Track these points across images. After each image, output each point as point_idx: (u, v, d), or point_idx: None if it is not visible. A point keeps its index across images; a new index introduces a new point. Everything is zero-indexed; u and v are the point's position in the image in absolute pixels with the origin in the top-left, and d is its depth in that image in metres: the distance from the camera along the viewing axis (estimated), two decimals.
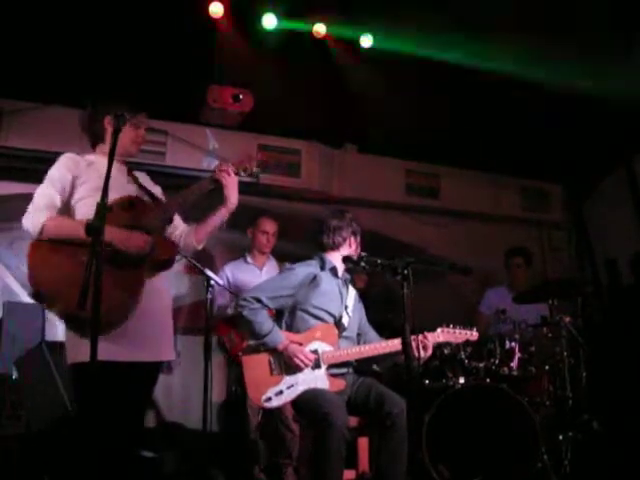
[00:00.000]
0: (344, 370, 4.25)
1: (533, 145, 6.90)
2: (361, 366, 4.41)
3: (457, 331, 4.43)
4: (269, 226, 5.90)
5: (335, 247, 4.39)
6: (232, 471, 5.17)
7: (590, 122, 6.64)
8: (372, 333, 4.52)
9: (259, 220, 5.92)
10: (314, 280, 4.29)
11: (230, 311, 5.48)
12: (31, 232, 3.20)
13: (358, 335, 4.45)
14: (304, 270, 4.35)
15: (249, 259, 5.94)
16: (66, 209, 3.28)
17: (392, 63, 6.14)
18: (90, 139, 3.49)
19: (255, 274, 5.78)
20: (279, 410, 4.45)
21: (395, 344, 4.16)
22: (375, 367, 4.73)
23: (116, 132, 2.97)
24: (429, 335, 4.32)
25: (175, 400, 6.21)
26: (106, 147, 3.33)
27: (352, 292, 4.49)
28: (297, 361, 4.08)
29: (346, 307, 4.37)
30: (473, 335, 4.49)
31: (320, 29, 6.03)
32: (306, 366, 4.09)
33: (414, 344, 4.12)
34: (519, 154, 7.02)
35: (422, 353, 4.20)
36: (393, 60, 6.14)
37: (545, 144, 6.90)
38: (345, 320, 4.33)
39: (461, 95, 6.40)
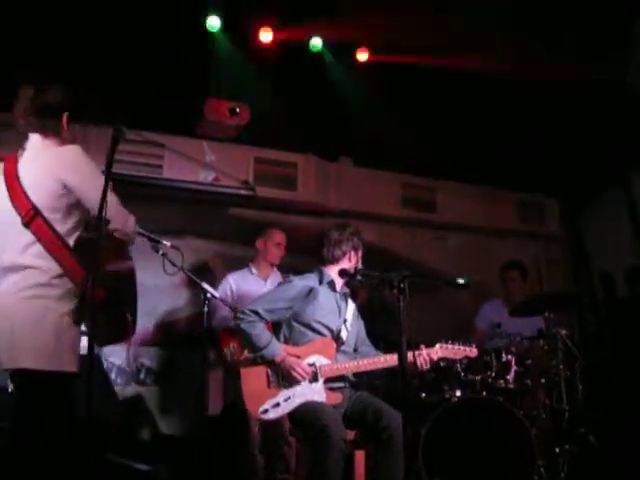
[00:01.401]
0: (341, 384, 4.25)
1: (530, 158, 6.92)
2: (358, 381, 4.40)
3: (456, 347, 4.43)
4: (281, 238, 5.86)
5: (334, 261, 4.39)
6: None
7: (587, 136, 6.66)
8: (368, 347, 4.52)
9: (271, 232, 5.86)
10: (311, 293, 4.30)
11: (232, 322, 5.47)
12: (132, 232, 3.22)
13: (355, 349, 4.45)
14: (301, 283, 4.36)
15: (254, 270, 5.87)
16: None
17: (387, 76, 6.17)
18: (35, 125, 3.18)
19: (259, 285, 5.71)
20: (278, 423, 4.44)
21: (393, 359, 4.13)
22: (377, 382, 4.71)
23: (114, 144, 2.97)
24: (427, 351, 4.31)
25: (171, 413, 6.20)
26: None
27: (351, 306, 4.49)
28: (294, 374, 4.08)
29: (345, 321, 4.38)
30: (472, 352, 4.49)
31: (316, 43, 6.06)
32: (303, 379, 4.10)
33: (419, 359, 4.15)
34: (515, 167, 7.04)
35: (425, 366, 4.20)
36: (388, 73, 6.17)
37: (542, 157, 6.92)
38: (344, 334, 4.33)
39: (457, 108, 6.43)
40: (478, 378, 5.05)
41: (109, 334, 3.28)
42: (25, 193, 3.07)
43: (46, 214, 3.04)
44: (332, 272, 4.37)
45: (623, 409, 5.69)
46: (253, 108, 6.18)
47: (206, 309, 4.96)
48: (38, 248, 3.02)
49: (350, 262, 4.37)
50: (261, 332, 4.15)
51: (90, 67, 5.45)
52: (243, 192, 6.44)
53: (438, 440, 4.57)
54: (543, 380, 5.33)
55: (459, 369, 5.05)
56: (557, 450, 4.90)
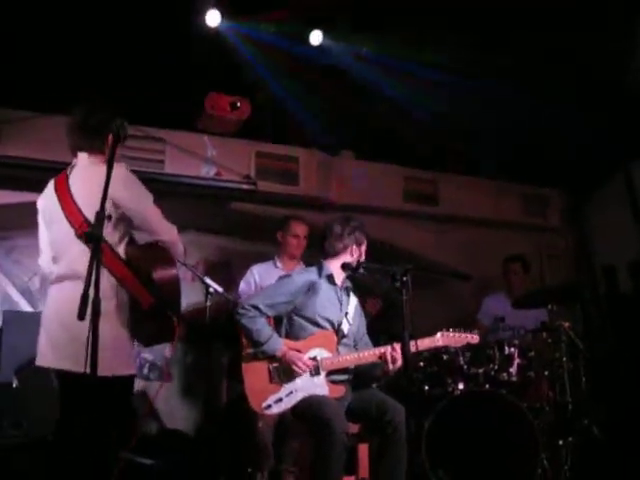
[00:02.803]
0: (344, 377, 4.25)
1: (532, 151, 6.91)
2: (359, 381, 4.39)
3: (457, 335, 4.37)
4: (300, 229, 5.78)
5: (335, 254, 4.38)
6: (235, 477, 5.17)
7: (589, 128, 6.65)
8: (365, 344, 4.48)
9: (290, 224, 5.79)
10: (312, 287, 4.29)
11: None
12: (177, 241, 3.48)
13: (354, 344, 4.44)
14: (302, 277, 4.36)
15: (278, 264, 5.80)
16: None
17: (390, 68, 6.16)
18: (83, 144, 3.46)
19: None
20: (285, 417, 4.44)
21: (396, 349, 4.10)
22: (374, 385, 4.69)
23: (117, 140, 2.99)
24: (427, 340, 4.29)
25: (176, 406, 6.21)
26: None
27: (353, 300, 4.48)
28: (296, 368, 4.08)
29: (346, 314, 4.37)
30: (474, 338, 4.43)
31: (317, 36, 6.03)
32: (305, 373, 4.10)
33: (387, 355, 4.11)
34: (518, 160, 7.03)
35: (390, 366, 4.13)
36: (391, 65, 6.15)
37: (544, 150, 6.91)
38: (345, 327, 4.32)
39: (459, 100, 6.41)
40: (481, 371, 5.05)
41: (157, 336, 3.48)
42: (77, 206, 3.31)
43: None
44: (332, 266, 4.36)
45: (626, 401, 5.69)
46: (254, 102, 6.18)
47: (209, 303, 4.99)
48: None
49: (352, 256, 4.35)
50: (262, 327, 4.15)
51: (90, 63, 5.46)
52: (245, 187, 6.42)
53: (441, 433, 4.58)
54: (546, 373, 5.34)
55: (462, 362, 5.06)
56: (560, 443, 4.90)
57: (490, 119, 6.52)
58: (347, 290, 4.47)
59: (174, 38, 5.55)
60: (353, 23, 5.93)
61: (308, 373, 4.12)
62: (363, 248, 4.42)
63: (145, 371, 6.16)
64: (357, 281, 4.54)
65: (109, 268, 3.19)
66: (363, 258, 4.39)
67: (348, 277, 4.43)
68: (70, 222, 3.31)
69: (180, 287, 3.42)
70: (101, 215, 2.79)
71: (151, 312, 3.26)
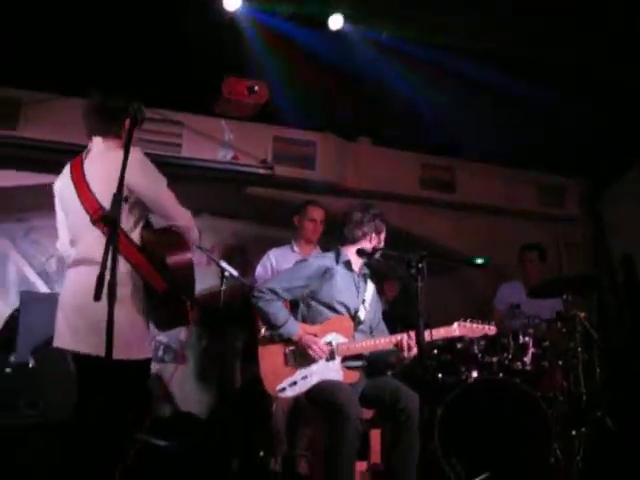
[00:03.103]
0: (359, 363, 4.25)
1: (550, 139, 6.86)
2: (374, 368, 4.39)
3: (474, 325, 4.33)
4: (317, 214, 5.78)
5: (354, 241, 4.37)
6: (248, 461, 5.20)
7: (608, 117, 6.59)
8: (381, 331, 4.47)
9: (307, 208, 5.79)
10: (328, 272, 4.29)
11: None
12: (192, 227, 3.49)
13: (370, 331, 4.44)
14: (318, 262, 4.36)
15: (295, 248, 5.81)
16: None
17: (408, 54, 6.12)
18: (100, 128, 3.47)
19: None
20: (300, 401, 4.45)
21: (411, 337, 4.08)
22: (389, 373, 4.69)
23: (134, 123, 2.99)
24: (443, 329, 4.28)
25: (190, 389, 6.24)
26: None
27: (371, 287, 4.47)
28: (311, 352, 4.09)
29: (363, 301, 4.37)
30: (491, 329, 4.39)
31: (337, 20, 5.99)
32: (320, 357, 4.10)
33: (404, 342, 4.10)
34: (536, 148, 6.98)
35: (406, 353, 4.12)
36: (409, 51, 6.11)
37: (562, 139, 6.86)
38: (362, 314, 4.32)
39: (477, 87, 6.37)
40: (495, 359, 5.05)
41: (171, 320, 3.50)
42: (92, 192, 3.32)
43: None
44: (350, 252, 4.36)
45: None
46: (272, 86, 6.16)
47: (224, 287, 5.00)
48: None
49: (370, 244, 4.34)
50: (278, 310, 4.16)
51: (108, 45, 5.46)
52: (261, 171, 6.43)
53: (454, 421, 4.59)
54: (560, 362, 5.33)
55: (476, 350, 5.05)
56: (574, 433, 4.88)
57: (507, 109, 6.48)
58: (365, 277, 4.46)
59: (193, 21, 5.54)
60: (372, 7, 5.89)
61: (323, 358, 4.12)
62: (382, 236, 4.41)
63: (160, 354, 6.20)
64: (373, 267, 4.54)
65: (124, 255, 3.20)
66: (381, 244, 4.38)
67: (365, 264, 4.42)
68: (85, 208, 3.32)
69: (194, 272, 3.43)
70: (118, 197, 2.79)
71: (165, 297, 3.28)
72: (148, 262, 3.27)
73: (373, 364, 4.35)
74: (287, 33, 5.84)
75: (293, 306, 4.38)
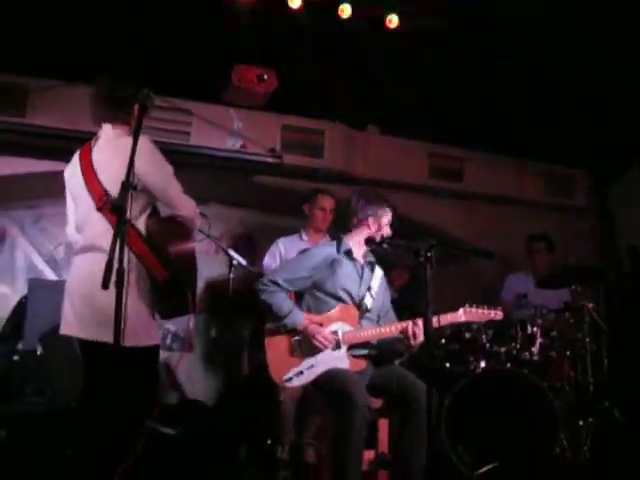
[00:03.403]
0: (364, 351, 4.25)
1: (559, 129, 6.84)
2: (381, 356, 4.38)
3: (480, 311, 4.29)
4: (327, 203, 5.78)
5: (353, 229, 4.36)
6: (255, 449, 5.21)
7: (617, 107, 6.57)
8: (390, 319, 4.45)
9: (317, 197, 5.79)
10: (332, 261, 4.29)
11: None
12: (196, 217, 3.50)
13: (377, 319, 4.43)
14: (322, 252, 4.36)
15: (304, 237, 5.82)
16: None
17: (417, 44, 6.10)
18: (108, 115, 3.47)
19: None
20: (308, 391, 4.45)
21: (418, 324, 4.07)
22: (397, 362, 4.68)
23: (142, 110, 2.99)
24: (450, 315, 4.24)
25: (197, 377, 6.26)
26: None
27: (378, 274, 4.46)
28: (316, 342, 4.09)
29: (369, 289, 4.35)
30: (497, 314, 4.34)
31: (346, 9, 5.97)
32: (325, 347, 4.10)
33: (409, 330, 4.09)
34: (544, 138, 6.96)
35: (412, 341, 4.09)
36: (418, 41, 6.09)
37: (571, 129, 6.83)
38: (368, 302, 4.31)
39: (486, 78, 6.36)
40: (503, 350, 5.04)
41: (171, 310, 3.50)
42: (98, 179, 3.33)
43: None
44: (352, 241, 4.34)
45: None
46: (281, 75, 6.15)
47: (232, 275, 5.00)
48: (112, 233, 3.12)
49: (369, 230, 4.31)
50: (281, 301, 4.16)
51: (117, 32, 5.45)
52: (270, 160, 6.43)
53: (461, 411, 4.58)
54: (568, 353, 5.33)
55: (484, 340, 5.05)
56: (581, 423, 4.89)
57: (520, 98, 6.47)
58: (372, 265, 4.44)
59: (202, 8, 5.53)
60: None
61: (329, 347, 4.12)
62: (384, 221, 4.33)
63: (168, 342, 6.21)
64: (380, 255, 4.51)
65: (128, 243, 3.17)
66: (387, 231, 4.33)
67: (371, 251, 4.40)
68: (91, 195, 3.33)
69: (196, 262, 3.44)
70: (126, 185, 2.79)
71: (166, 286, 3.30)
72: (150, 251, 3.28)
73: (380, 352, 4.35)
74: (296, 21, 5.83)
75: (298, 297, 4.38)
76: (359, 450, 3.82)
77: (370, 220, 4.32)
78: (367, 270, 4.41)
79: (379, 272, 4.48)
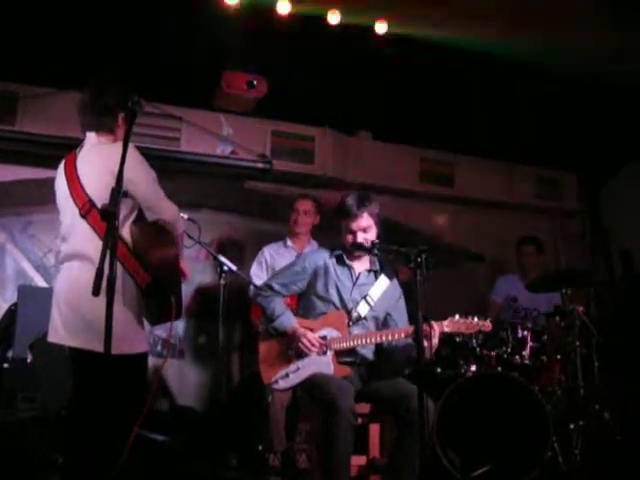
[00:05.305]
0: (351, 358, 4.21)
1: (548, 133, 6.87)
2: (389, 367, 4.36)
3: (468, 321, 4.18)
4: (301, 205, 5.83)
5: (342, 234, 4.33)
6: (246, 456, 5.21)
7: (607, 110, 6.60)
8: (394, 325, 4.33)
9: (295, 201, 5.88)
10: (324, 267, 4.28)
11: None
12: (179, 222, 3.52)
13: (377, 327, 4.33)
14: (314, 257, 4.35)
15: (289, 242, 5.87)
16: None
17: (407, 49, 6.12)
18: (93, 124, 3.46)
19: (293, 257, 5.43)
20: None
21: (407, 331, 4.05)
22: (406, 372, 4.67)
23: (132, 116, 2.98)
24: (436, 325, 4.10)
25: (188, 384, 6.25)
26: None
27: (382, 283, 4.33)
28: (301, 345, 4.09)
29: (365, 297, 4.25)
30: (486, 326, 4.24)
31: (334, 15, 5.98)
32: (310, 351, 4.09)
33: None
34: (534, 142, 6.99)
35: (425, 343, 4.04)
36: (408, 46, 6.11)
37: (561, 132, 6.87)
38: (362, 309, 4.22)
39: (475, 82, 6.38)
40: (493, 353, 5.05)
41: (158, 315, 3.44)
42: (82, 187, 3.33)
43: (99, 206, 3.10)
44: (342, 247, 4.30)
45: (638, 386, 5.68)
46: (271, 81, 6.16)
47: (223, 282, 5.00)
48: (97, 241, 3.13)
49: (351, 235, 4.16)
50: (275, 305, 4.19)
51: (107, 39, 5.46)
52: (260, 165, 6.43)
53: (452, 415, 4.58)
54: (559, 356, 5.34)
55: (475, 344, 5.05)
56: (572, 426, 4.89)
57: (509, 102, 6.49)
58: (376, 273, 4.36)
59: (190, 15, 5.54)
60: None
61: (314, 351, 4.11)
62: (353, 225, 4.15)
63: (158, 348, 6.21)
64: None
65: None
66: (363, 236, 4.16)
67: (377, 259, 4.35)
68: (75, 202, 3.33)
69: (179, 267, 3.42)
70: (116, 192, 2.79)
71: (149, 291, 3.28)
72: (132, 256, 3.26)
73: (389, 362, 4.33)
74: (286, 27, 5.85)
75: (298, 301, 4.42)
76: (346, 455, 3.78)
77: (344, 223, 4.23)
78: (365, 277, 4.33)
79: (384, 281, 4.34)
